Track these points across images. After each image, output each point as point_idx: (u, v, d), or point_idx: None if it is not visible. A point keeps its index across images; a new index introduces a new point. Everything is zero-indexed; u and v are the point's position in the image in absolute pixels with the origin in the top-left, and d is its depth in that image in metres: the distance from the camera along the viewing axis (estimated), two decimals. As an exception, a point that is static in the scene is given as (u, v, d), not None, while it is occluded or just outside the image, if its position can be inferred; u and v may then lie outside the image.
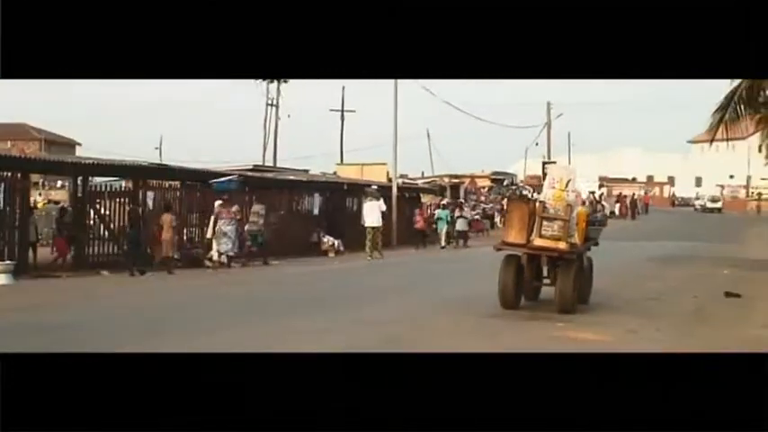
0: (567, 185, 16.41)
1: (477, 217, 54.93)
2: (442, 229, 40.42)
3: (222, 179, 30.54)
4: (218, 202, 27.72)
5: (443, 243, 39.93)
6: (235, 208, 28.14)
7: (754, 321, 16.01)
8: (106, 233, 27.78)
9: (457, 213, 41.73)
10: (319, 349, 11.37)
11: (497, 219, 58.09)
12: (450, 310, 16.30)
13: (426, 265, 30.06)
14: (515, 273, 16.36)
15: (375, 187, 38.63)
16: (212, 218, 27.61)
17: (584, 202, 21.37)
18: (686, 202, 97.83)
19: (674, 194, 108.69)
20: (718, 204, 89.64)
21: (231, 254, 27.29)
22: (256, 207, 29.99)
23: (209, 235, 27.93)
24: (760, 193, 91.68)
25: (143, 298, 19.33)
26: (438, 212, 42.56)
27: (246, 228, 29.28)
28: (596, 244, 18.04)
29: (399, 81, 44.45)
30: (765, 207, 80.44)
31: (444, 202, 45.94)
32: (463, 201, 49.34)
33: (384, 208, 36.26)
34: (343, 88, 75.22)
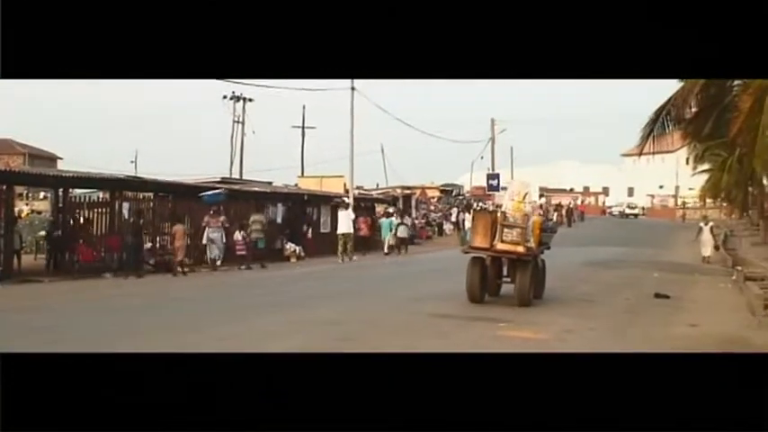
0: (524, 198, 17.59)
1: (423, 225, 55.18)
2: (386, 236, 40.58)
3: (211, 192, 31.14)
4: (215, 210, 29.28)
5: (386, 249, 40.10)
6: (222, 218, 29.39)
7: (681, 320, 16.25)
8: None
9: (397, 221, 41.90)
10: (283, 348, 11.40)
11: (446, 227, 58.34)
12: (401, 311, 16.49)
13: (379, 269, 30.27)
14: (480, 272, 17.55)
15: (346, 199, 38.97)
16: (203, 226, 29.03)
17: (541, 213, 22.20)
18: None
19: (604, 203, 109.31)
20: (636, 211, 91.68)
21: (218, 260, 28.45)
22: (257, 216, 31.59)
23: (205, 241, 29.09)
24: (684, 202, 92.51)
25: (136, 298, 19.50)
26: (381, 221, 42.77)
27: (252, 235, 30.65)
28: (548, 248, 18.91)
29: (355, 100, 44.70)
30: (690, 215, 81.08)
31: (389, 210, 46.02)
32: (400, 209, 49.40)
33: (353, 217, 36.87)
34: (304, 107, 74.84)
